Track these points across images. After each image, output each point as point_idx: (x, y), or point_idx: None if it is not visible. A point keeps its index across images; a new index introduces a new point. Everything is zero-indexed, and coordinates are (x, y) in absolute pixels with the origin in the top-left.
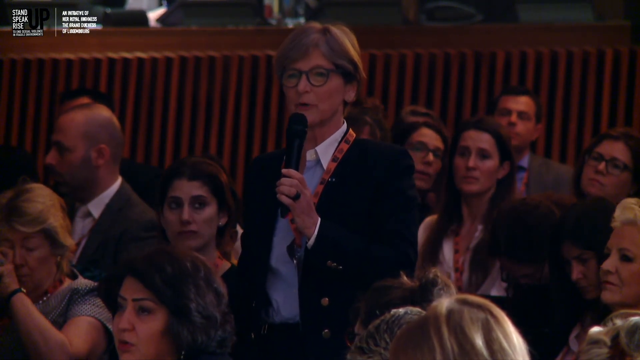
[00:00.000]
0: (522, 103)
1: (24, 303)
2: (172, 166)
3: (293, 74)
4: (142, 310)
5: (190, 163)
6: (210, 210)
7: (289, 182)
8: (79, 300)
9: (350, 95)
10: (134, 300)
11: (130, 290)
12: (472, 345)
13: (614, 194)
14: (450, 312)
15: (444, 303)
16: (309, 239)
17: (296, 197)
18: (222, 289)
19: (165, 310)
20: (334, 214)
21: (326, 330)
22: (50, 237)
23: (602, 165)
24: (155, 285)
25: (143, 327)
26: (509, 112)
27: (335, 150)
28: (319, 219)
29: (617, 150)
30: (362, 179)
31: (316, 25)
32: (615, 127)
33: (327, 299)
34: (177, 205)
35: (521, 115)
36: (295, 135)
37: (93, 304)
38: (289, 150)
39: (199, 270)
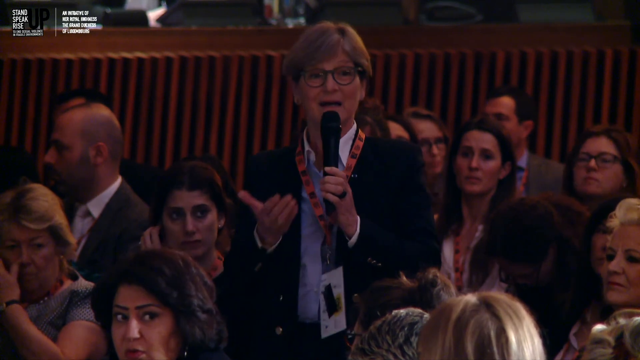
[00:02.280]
0: (497, 105)
1: (17, 315)
2: (169, 175)
3: (317, 74)
4: (147, 316)
5: (187, 171)
6: (212, 216)
7: (334, 180)
8: (78, 303)
9: (362, 94)
10: (137, 308)
11: (131, 298)
12: (463, 350)
13: (610, 187)
14: (462, 312)
15: (465, 301)
16: (349, 237)
17: (342, 195)
18: (210, 281)
19: (170, 311)
20: (358, 209)
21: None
22: (55, 234)
23: (592, 162)
24: (159, 289)
25: (152, 333)
26: (487, 116)
27: (352, 147)
28: (358, 217)
29: (602, 144)
30: (382, 175)
31: (332, 25)
32: (594, 125)
33: (357, 295)
34: (178, 216)
35: (498, 117)
36: (331, 133)
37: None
38: (327, 148)
39: (190, 266)
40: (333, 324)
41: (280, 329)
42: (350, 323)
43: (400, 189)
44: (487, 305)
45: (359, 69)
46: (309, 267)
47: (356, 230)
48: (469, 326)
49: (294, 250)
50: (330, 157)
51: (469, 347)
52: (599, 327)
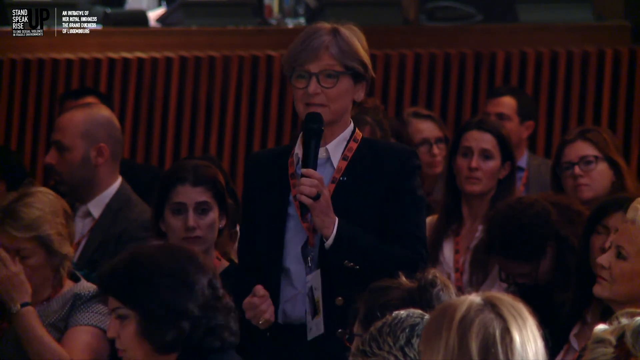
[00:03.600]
0: (499, 105)
1: (30, 317)
2: (173, 170)
3: (302, 75)
4: (121, 318)
5: (192, 167)
6: (213, 215)
7: (309, 182)
8: (82, 307)
9: (360, 95)
10: (113, 310)
11: (110, 302)
12: (468, 350)
13: (602, 188)
14: (467, 312)
15: (470, 301)
16: (326, 239)
17: (316, 198)
18: (200, 276)
19: (135, 313)
20: (345, 212)
21: (340, 330)
22: (45, 245)
23: (576, 169)
24: (115, 293)
25: (123, 334)
26: (488, 116)
27: (345, 149)
28: (337, 219)
29: (580, 149)
30: (373, 178)
31: (326, 26)
32: (569, 130)
33: (341, 298)
34: (181, 211)
35: (499, 116)
36: (312, 134)
37: (94, 312)
38: (306, 149)
39: (159, 266)
40: (315, 327)
41: (268, 333)
42: (349, 323)
43: (389, 191)
44: (491, 305)
45: (350, 71)
46: (297, 269)
47: (333, 232)
48: (474, 326)
49: (277, 255)
50: (309, 158)
51: (473, 347)
52: (601, 327)
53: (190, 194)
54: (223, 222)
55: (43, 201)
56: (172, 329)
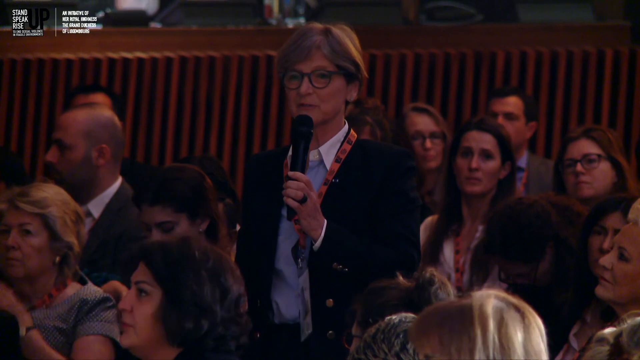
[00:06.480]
0: (508, 104)
1: (37, 339)
2: (139, 187)
3: (295, 76)
4: (141, 293)
5: (154, 186)
6: (182, 227)
7: (295, 185)
8: (88, 314)
9: (352, 95)
10: (136, 282)
11: (137, 274)
12: (512, 344)
13: (603, 186)
14: (498, 309)
15: (489, 299)
16: (315, 241)
17: (303, 200)
18: (235, 288)
19: (161, 292)
20: (337, 214)
21: (331, 332)
22: (48, 226)
23: (578, 167)
24: (154, 265)
25: (140, 309)
26: (495, 115)
27: (338, 151)
28: (325, 221)
29: (583, 146)
30: (364, 179)
31: (317, 26)
32: (572, 129)
33: (331, 300)
34: (147, 230)
35: (508, 116)
36: (301, 137)
37: (103, 321)
38: (295, 152)
39: (206, 261)
40: (306, 327)
41: (258, 335)
42: (347, 324)
43: (380, 193)
44: (507, 301)
45: (342, 71)
46: (289, 270)
47: (321, 234)
48: (510, 318)
49: (269, 255)
50: (297, 161)
51: (517, 337)
52: (608, 329)
53: (149, 215)
54: (204, 225)
55: (55, 190)
56: (191, 322)
